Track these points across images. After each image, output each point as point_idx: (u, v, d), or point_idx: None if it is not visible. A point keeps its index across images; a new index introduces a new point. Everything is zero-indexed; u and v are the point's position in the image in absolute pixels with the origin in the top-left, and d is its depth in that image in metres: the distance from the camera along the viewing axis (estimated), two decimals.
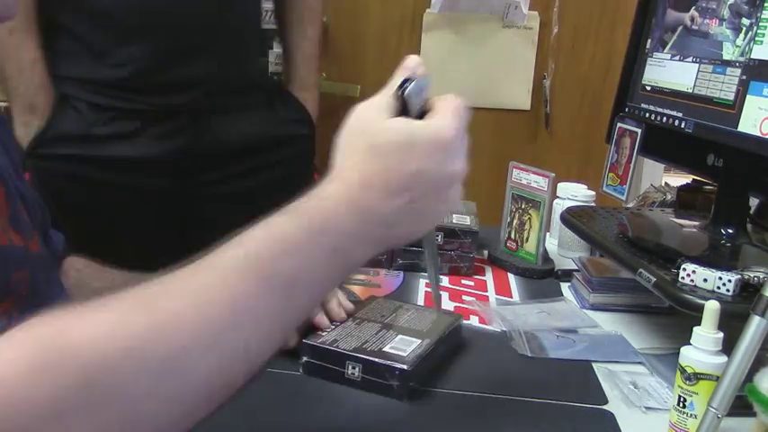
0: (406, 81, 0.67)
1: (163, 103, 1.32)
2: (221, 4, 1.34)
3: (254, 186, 1.44)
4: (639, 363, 0.93)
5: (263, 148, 1.46)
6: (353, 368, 0.80)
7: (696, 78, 1.00)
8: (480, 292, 1.14)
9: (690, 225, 1.06)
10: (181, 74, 1.32)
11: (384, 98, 0.67)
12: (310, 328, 0.87)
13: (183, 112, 1.34)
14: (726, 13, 0.95)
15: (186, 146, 1.35)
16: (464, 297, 1.11)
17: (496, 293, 1.14)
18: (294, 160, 1.54)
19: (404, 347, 0.83)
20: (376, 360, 0.80)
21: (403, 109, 0.65)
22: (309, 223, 0.57)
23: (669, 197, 1.41)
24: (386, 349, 0.83)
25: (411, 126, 0.63)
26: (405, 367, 0.79)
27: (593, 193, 1.33)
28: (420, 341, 0.85)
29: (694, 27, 1.01)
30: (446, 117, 0.64)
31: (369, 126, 0.65)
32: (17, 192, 0.76)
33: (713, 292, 0.82)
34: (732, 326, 0.70)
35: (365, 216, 0.60)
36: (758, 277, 0.81)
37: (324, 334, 0.85)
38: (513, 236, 1.26)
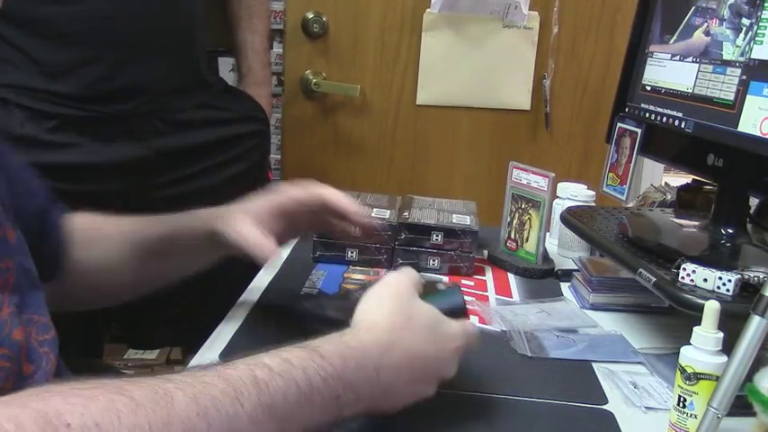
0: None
1: (110, 110, 1.29)
2: (162, 6, 1.31)
3: (209, 185, 1.43)
4: (639, 362, 0.93)
5: (216, 147, 1.45)
6: None
7: (696, 78, 1.00)
8: (480, 292, 1.14)
9: (690, 225, 1.06)
10: (126, 79, 1.29)
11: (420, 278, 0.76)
12: None
13: (132, 117, 1.31)
14: (726, 12, 0.95)
15: (137, 149, 1.33)
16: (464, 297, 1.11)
17: (496, 293, 1.14)
18: (248, 157, 1.53)
19: None
20: None
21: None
22: (328, 368, 0.62)
23: (669, 197, 1.41)
24: None
25: (439, 316, 0.73)
26: None
27: (593, 192, 1.33)
28: None
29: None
30: (466, 327, 0.75)
31: (405, 297, 0.73)
32: None
33: (713, 291, 0.82)
34: (732, 326, 0.70)
35: (376, 379, 0.65)
36: (758, 277, 0.81)
37: None
38: (512, 236, 1.26)
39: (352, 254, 1.20)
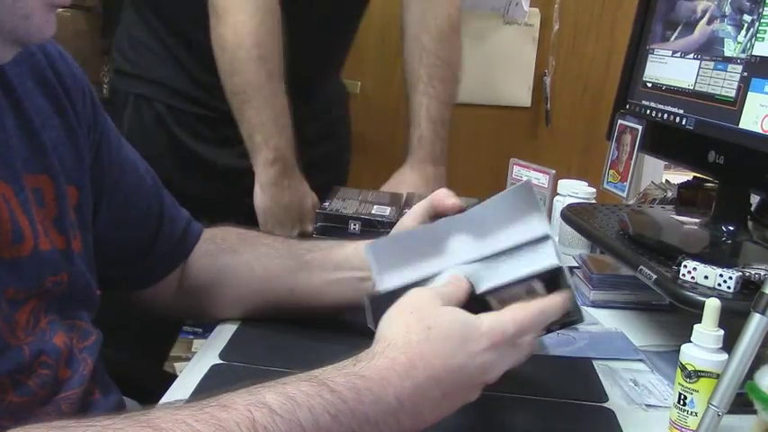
0: None
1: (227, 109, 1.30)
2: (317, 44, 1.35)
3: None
4: (640, 360, 0.93)
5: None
6: None
7: (697, 75, 0.99)
8: None
9: (690, 222, 1.06)
10: None
11: (442, 287, 0.68)
12: None
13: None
14: (727, 9, 0.95)
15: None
16: None
17: None
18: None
19: None
20: None
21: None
22: (338, 404, 0.56)
23: (670, 194, 1.41)
24: None
25: (465, 317, 0.64)
26: None
27: (594, 190, 1.33)
28: None
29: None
30: (504, 320, 0.65)
31: (425, 309, 0.65)
32: (79, 186, 0.76)
33: (714, 289, 0.81)
34: (733, 323, 0.69)
35: (399, 407, 0.59)
36: (759, 274, 0.81)
37: None
38: None
39: None
